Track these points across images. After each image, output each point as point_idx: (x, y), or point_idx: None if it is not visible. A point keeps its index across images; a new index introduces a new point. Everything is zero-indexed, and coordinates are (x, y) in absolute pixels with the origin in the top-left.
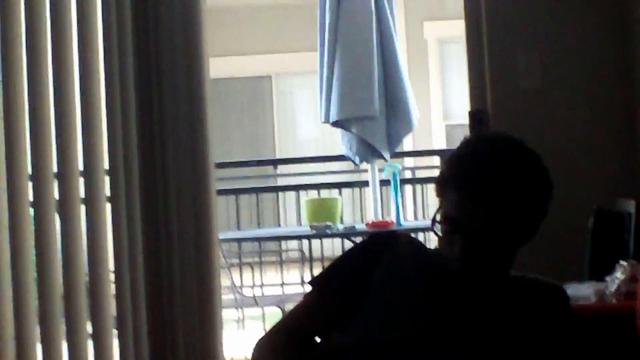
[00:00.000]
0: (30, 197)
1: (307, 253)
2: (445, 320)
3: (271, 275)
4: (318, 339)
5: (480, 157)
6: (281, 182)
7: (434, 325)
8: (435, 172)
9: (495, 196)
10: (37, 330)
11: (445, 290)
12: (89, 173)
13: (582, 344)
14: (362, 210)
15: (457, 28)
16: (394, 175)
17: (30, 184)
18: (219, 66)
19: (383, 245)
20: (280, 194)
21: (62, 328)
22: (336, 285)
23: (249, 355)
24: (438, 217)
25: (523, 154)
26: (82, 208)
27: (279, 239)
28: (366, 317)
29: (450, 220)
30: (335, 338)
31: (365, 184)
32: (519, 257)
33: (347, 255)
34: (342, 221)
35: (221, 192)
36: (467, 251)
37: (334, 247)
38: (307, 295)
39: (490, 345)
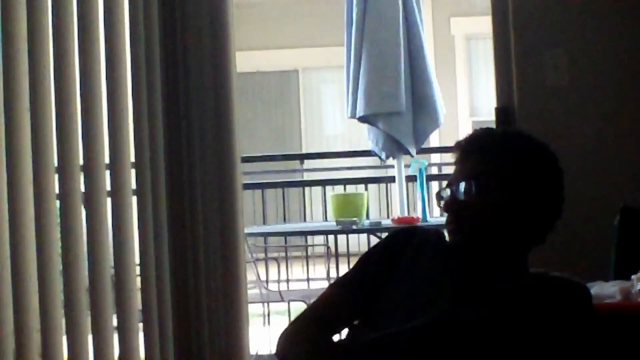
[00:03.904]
0: (57, 190)
1: (332, 248)
2: (461, 314)
3: (297, 270)
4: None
5: (478, 133)
6: (307, 177)
7: (449, 318)
8: None
9: (474, 157)
10: (62, 323)
11: (462, 284)
12: (115, 166)
13: (603, 343)
14: (388, 206)
15: (484, 24)
16: (420, 171)
17: (56, 177)
18: (246, 60)
19: (404, 241)
20: (307, 188)
21: (87, 321)
22: (359, 281)
23: (275, 351)
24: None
25: (519, 135)
26: (108, 201)
27: (304, 233)
28: (385, 309)
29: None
30: (355, 332)
31: (391, 179)
32: (543, 254)
33: (369, 252)
34: (368, 217)
35: (247, 186)
36: (455, 209)
37: (359, 243)
38: (330, 290)
39: (508, 340)
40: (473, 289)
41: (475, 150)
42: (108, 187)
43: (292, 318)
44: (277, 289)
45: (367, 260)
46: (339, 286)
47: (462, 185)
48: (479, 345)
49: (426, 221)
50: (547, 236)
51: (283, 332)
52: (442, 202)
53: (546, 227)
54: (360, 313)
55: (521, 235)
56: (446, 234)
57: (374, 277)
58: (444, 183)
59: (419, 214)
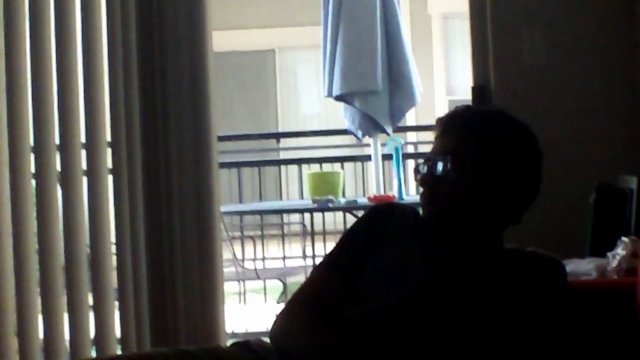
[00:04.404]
0: (32, 169)
1: (309, 227)
2: (436, 290)
3: (273, 249)
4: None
5: (459, 110)
6: (283, 155)
7: (424, 295)
8: None
9: (453, 133)
10: (38, 302)
11: (437, 260)
12: (91, 145)
13: (577, 318)
14: (364, 184)
15: (461, 3)
16: (397, 149)
17: (32, 156)
18: (222, 40)
19: (383, 217)
20: (283, 167)
21: (63, 300)
22: (346, 260)
23: (250, 329)
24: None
25: (500, 114)
26: (84, 180)
27: (280, 212)
28: (364, 285)
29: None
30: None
31: (367, 158)
32: (519, 231)
33: (351, 230)
34: (344, 195)
35: (223, 165)
36: (431, 183)
37: (335, 221)
38: (318, 271)
39: (483, 317)
40: (448, 264)
41: (454, 126)
42: (84, 166)
43: (268, 296)
44: (253, 267)
45: (351, 238)
46: (327, 267)
47: (439, 160)
48: (454, 322)
49: (402, 199)
50: (523, 215)
51: (277, 315)
52: (419, 177)
53: (521, 208)
54: (345, 296)
55: (495, 213)
56: (421, 210)
57: (358, 255)
58: (421, 161)
59: (395, 193)
